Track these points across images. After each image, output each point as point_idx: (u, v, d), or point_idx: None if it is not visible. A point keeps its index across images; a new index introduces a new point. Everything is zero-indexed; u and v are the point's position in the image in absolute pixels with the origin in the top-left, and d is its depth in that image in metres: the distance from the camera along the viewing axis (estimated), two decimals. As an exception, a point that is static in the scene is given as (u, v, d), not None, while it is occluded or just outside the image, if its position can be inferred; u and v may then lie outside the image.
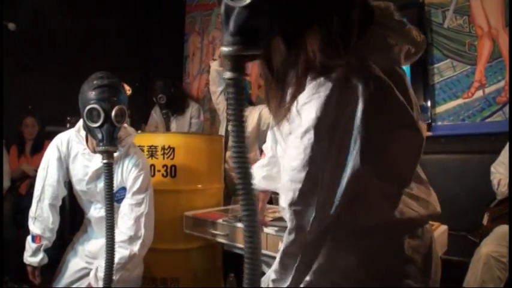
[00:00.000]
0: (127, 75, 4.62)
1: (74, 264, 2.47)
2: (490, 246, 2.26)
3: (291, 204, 0.92)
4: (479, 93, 3.14)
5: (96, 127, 1.98)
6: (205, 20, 5.65)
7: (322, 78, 0.86)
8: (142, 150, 3.11)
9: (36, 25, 4.77)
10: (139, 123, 4.88)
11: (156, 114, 4.72)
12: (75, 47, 5.13)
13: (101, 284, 2.09)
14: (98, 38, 5.36)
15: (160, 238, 3.02)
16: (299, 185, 0.90)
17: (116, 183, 2.22)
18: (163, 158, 3.06)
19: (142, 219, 2.28)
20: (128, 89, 4.19)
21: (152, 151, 3.09)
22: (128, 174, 2.30)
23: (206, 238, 2.69)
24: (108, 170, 1.93)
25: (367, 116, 0.83)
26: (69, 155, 2.35)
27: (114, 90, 2.05)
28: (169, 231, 3.02)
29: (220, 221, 2.56)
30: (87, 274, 2.32)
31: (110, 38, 5.54)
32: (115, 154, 2.05)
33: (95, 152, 2.25)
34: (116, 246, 2.05)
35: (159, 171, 3.06)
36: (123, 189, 2.31)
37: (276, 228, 2.15)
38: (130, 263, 2.24)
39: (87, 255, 2.45)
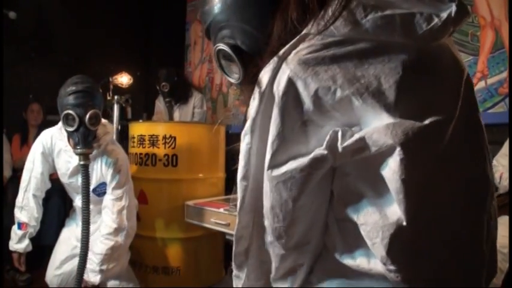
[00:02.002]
0: (128, 65, 4.62)
1: (67, 243, 2.64)
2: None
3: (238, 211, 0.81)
4: (482, 84, 3.13)
5: (72, 131, 2.08)
6: (207, 8, 5.62)
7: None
8: (144, 140, 3.12)
9: (37, 14, 4.76)
10: (141, 112, 4.88)
11: (160, 103, 4.70)
12: (76, 36, 5.11)
13: (91, 276, 2.31)
14: (98, 27, 5.34)
15: (162, 227, 3.05)
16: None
17: (96, 178, 2.44)
18: (165, 147, 3.06)
19: (124, 212, 2.43)
20: (129, 78, 4.19)
21: (153, 140, 3.09)
22: (106, 170, 2.43)
23: (207, 227, 2.70)
24: (85, 171, 2.10)
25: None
26: (53, 151, 2.48)
27: (88, 95, 2.11)
28: (171, 221, 3.04)
29: (221, 210, 2.57)
30: (77, 253, 2.43)
31: (111, 27, 5.52)
32: (94, 151, 2.21)
33: None
34: (102, 238, 2.34)
35: (160, 160, 3.07)
36: (104, 184, 2.46)
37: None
38: (116, 252, 2.39)
39: (76, 238, 2.58)
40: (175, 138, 3.06)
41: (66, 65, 4.90)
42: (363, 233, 0.69)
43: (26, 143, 4.28)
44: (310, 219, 0.75)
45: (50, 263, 2.67)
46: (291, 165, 0.68)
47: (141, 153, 3.16)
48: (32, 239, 2.53)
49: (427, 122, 0.63)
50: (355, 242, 0.73)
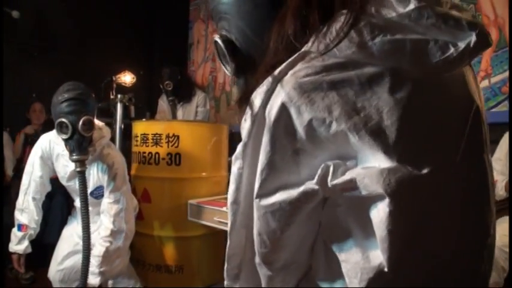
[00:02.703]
0: (131, 63, 4.63)
1: (69, 239, 2.67)
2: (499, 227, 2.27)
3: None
4: (485, 82, 3.12)
5: (66, 139, 2.10)
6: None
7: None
8: (147, 138, 3.12)
9: (39, 13, 4.76)
10: (144, 111, 4.88)
11: (163, 102, 4.71)
12: (79, 34, 5.12)
13: (91, 278, 2.32)
14: (101, 26, 5.34)
15: (165, 226, 3.05)
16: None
17: (94, 182, 2.47)
18: (168, 146, 3.06)
19: (122, 214, 2.45)
20: (132, 77, 4.20)
21: (156, 139, 3.09)
22: (103, 174, 2.46)
23: (210, 226, 2.71)
24: (81, 178, 2.12)
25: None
26: (52, 155, 2.51)
27: (80, 102, 2.11)
28: (174, 219, 3.04)
29: (224, 209, 2.57)
30: (79, 249, 2.51)
31: (114, 26, 5.53)
32: (90, 156, 2.22)
33: None
34: (101, 241, 2.37)
35: (163, 159, 3.07)
36: (101, 187, 2.48)
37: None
38: (115, 254, 2.43)
39: (78, 235, 2.61)
40: (178, 137, 3.06)
41: (69, 64, 4.92)
42: (343, 269, 0.66)
43: (29, 143, 4.29)
44: (298, 244, 0.73)
45: (53, 259, 2.70)
46: (280, 196, 0.65)
47: (144, 152, 3.16)
48: (36, 238, 2.55)
49: (425, 171, 0.58)
50: (338, 270, 0.68)
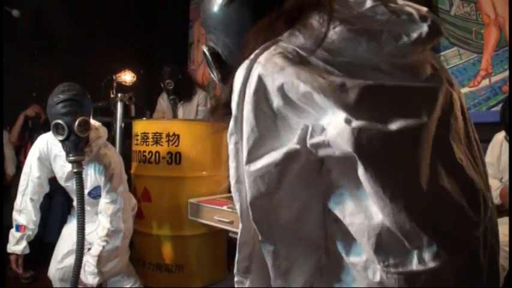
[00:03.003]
0: (131, 62, 4.63)
1: (69, 238, 2.64)
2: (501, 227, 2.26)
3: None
4: (486, 82, 3.12)
5: (62, 140, 2.10)
6: (210, 6, 5.61)
7: None
8: (147, 137, 3.12)
9: (39, 12, 4.76)
10: (144, 110, 4.88)
11: (163, 101, 4.70)
12: (79, 33, 5.11)
13: (90, 279, 2.35)
14: (102, 25, 5.34)
15: (166, 225, 3.06)
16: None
17: (91, 182, 2.48)
18: (168, 145, 3.07)
19: (120, 214, 2.46)
20: (132, 76, 4.19)
21: (157, 138, 3.09)
22: (100, 174, 2.46)
23: (211, 225, 2.71)
24: (78, 178, 2.13)
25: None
26: (49, 155, 2.52)
27: (75, 103, 2.11)
28: (174, 218, 3.04)
29: (224, 208, 2.57)
30: None
31: (114, 25, 5.52)
32: (86, 157, 2.23)
33: None
34: (99, 241, 2.38)
35: (163, 158, 3.08)
36: (98, 187, 2.49)
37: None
38: (113, 254, 2.44)
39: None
40: (178, 136, 3.06)
41: (69, 63, 4.91)
42: (352, 233, 0.72)
43: (30, 140, 4.29)
44: (297, 213, 0.77)
45: (53, 258, 2.71)
46: (266, 159, 0.70)
47: (144, 151, 3.17)
48: (36, 237, 2.56)
49: (393, 127, 0.65)
50: (353, 239, 0.74)
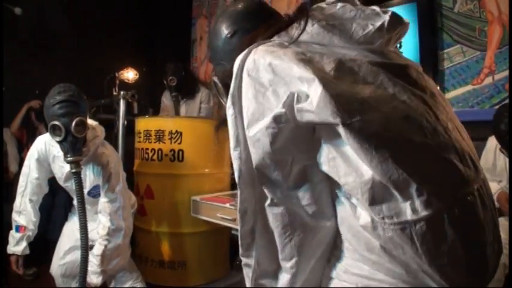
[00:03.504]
0: (134, 60, 4.64)
1: (70, 235, 2.68)
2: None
3: None
4: (489, 79, 3.11)
5: (60, 141, 2.10)
6: (213, 3, 5.61)
7: None
8: (150, 135, 3.12)
9: (41, 9, 4.76)
10: (147, 107, 4.88)
11: (166, 99, 4.69)
12: (82, 31, 5.12)
13: (93, 278, 2.36)
14: (104, 23, 5.34)
15: (168, 222, 3.06)
16: None
17: (90, 181, 2.48)
18: (171, 143, 3.07)
19: (120, 213, 2.47)
20: (135, 74, 4.20)
21: (159, 135, 3.09)
22: (98, 174, 2.46)
23: (213, 222, 2.71)
24: (77, 178, 2.13)
25: None
26: (48, 156, 2.51)
27: (72, 104, 2.11)
28: (177, 215, 3.05)
29: (227, 205, 2.57)
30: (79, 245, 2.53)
31: (117, 23, 5.52)
32: (84, 156, 2.23)
33: None
34: (100, 240, 2.39)
35: (166, 155, 3.08)
36: (98, 186, 2.49)
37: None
38: (115, 252, 2.46)
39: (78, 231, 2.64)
40: (181, 133, 3.06)
41: (72, 61, 4.92)
42: (349, 192, 0.83)
43: (33, 139, 4.29)
44: (299, 176, 0.86)
45: (55, 255, 2.72)
46: (260, 124, 0.82)
47: (147, 149, 3.17)
48: (39, 234, 2.56)
49: (368, 91, 0.78)
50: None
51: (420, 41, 3.18)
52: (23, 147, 4.28)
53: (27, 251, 2.50)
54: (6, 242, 2.52)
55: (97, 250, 2.38)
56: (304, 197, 0.86)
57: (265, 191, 0.87)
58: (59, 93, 2.11)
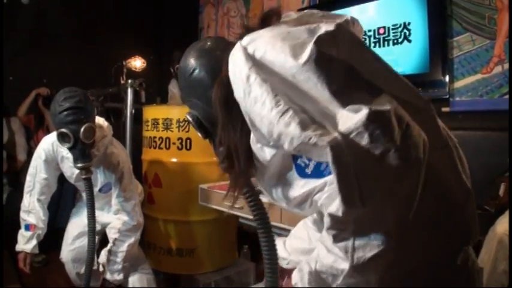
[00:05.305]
0: (141, 49, 4.63)
1: (78, 221, 2.77)
2: (505, 225, 2.24)
3: None
4: (498, 68, 3.08)
5: (69, 148, 2.09)
6: (220, -9, 5.58)
7: None
8: (157, 123, 3.13)
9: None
10: (154, 96, 4.88)
11: (173, 87, 4.68)
12: (89, 20, 5.12)
13: (116, 275, 2.46)
14: (111, 11, 5.34)
15: (176, 210, 3.08)
16: None
17: (101, 180, 2.54)
18: (179, 131, 3.07)
19: (137, 209, 2.55)
20: (142, 62, 4.19)
21: (167, 124, 3.10)
22: (110, 175, 2.49)
23: (221, 210, 2.72)
24: (88, 184, 2.13)
25: None
26: (56, 157, 2.52)
27: (79, 110, 2.09)
28: (185, 203, 3.06)
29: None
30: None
31: (124, 11, 5.52)
32: (94, 158, 2.23)
33: None
34: (121, 236, 2.45)
35: (174, 143, 3.08)
36: (109, 183, 2.53)
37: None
38: (134, 247, 2.55)
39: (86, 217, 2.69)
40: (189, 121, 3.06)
41: (79, 50, 4.92)
42: None
43: (41, 127, 4.31)
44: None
45: (63, 242, 2.77)
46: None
47: (155, 137, 3.18)
48: (48, 221, 2.59)
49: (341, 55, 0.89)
50: None
51: (429, 29, 3.15)
52: (31, 135, 4.30)
53: (37, 250, 2.52)
54: (15, 228, 2.54)
55: (120, 247, 2.43)
56: None
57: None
58: (66, 99, 2.08)
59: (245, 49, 0.94)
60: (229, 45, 1.08)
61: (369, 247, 0.82)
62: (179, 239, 3.11)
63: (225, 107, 1.02)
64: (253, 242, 2.79)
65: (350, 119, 0.79)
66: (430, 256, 0.90)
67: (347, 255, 0.83)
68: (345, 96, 0.83)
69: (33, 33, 4.66)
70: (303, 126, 0.83)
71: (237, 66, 0.94)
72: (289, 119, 0.84)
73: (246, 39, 0.97)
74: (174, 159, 3.10)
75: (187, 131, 3.06)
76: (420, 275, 0.91)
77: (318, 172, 0.96)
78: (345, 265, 0.84)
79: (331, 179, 0.88)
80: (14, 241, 2.53)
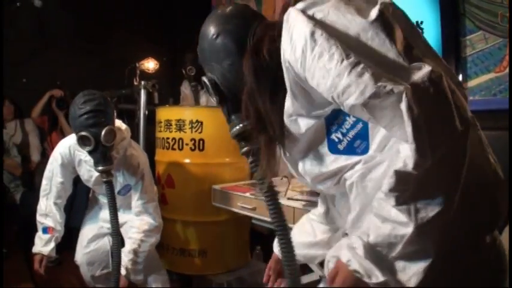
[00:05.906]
0: (154, 50, 4.65)
1: (92, 224, 2.79)
2: None
3: None
4: (512, 62, 3.05)
5: (90, 151, 2.09)
6: (232, -8, 5.59)
7: None
8: (170, 124, 3.14)
9: (63, 0, 4.79)
10: (167, 97, 4.90)
11: (185, 88, 4.70)
12: (102, 22, 5.15)
13: (137, 275, 2.48)
14: (124, 13, 5.37)
15: (189, 210, 3.09)
16: None
17: (121, 182, 2.54)
18: (191, 132, 3.08)
19: (158, 210, 2.59)
20: (155, 64, 4.21)
21: (180, 125, 3.11)
22: (130, 177, 2.50)
23: (234, 211, 2.72)
24: (109, 187, 2.12)
25: None
26: (73, 161, 2.52)
27: (100, 113, 2.09)
28: (198, 204, 3.07)
29: (247, 194, 2.58)
30: (103, 233, 2.74)
31: (137, 13, 5.55)
32: (115, 161, 2.23)
33: None
34: (142, 236, 2.46)
35: (187, 144, 3.09)
36: (128, 185, 2.54)
37: (303, 203, 2.16)
38: (153, 246, 2.61)
39: (101, 218, 2.78)
40: (202, 122, 3.07)
41: (93, 51, 4.96)
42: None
43: (55, 128, 4.35)
44: None
45: (78, 244, 2.78)
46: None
47: (168, 138, 3.19)
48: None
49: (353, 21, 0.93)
50: None
51: (442, 28, 3.13)
52: (45, 136, 4.34)
53: (54, 254, 2.52)
54: (29, 227, 2.56)
55: (143, 247, 2.45)
56: None
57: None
58: (85, 102, 2.08)
59: (304, 11, 0.95)
60: (257, 14, 1.18)
61: (431, 207, 0.84)
62: (192, 239, 3.12)
63: (254, 74, 1.05)
64: (266, 243, 2.79)
65: (416, 74, 0.84)
66: (467, 227, 0.92)
67: (410, 218, 0.85)
68: (407, 56, 0.88)
69: (47, 35, 4.70)
70: (377, 77, 0.84)
71: (295, 27, 0.94)
72: (362, 69, 0.85)
73: (300, 5, 0.97)
74: (187, 160, 3.11)
75: (200, 132, 3.07)
76: (461, 242, 0.93)
77: (351, 149, 1.00)
78: (406, 230, 0.85)
79: (366, 157, 0.97)
80: (28, 241, 2.55)
